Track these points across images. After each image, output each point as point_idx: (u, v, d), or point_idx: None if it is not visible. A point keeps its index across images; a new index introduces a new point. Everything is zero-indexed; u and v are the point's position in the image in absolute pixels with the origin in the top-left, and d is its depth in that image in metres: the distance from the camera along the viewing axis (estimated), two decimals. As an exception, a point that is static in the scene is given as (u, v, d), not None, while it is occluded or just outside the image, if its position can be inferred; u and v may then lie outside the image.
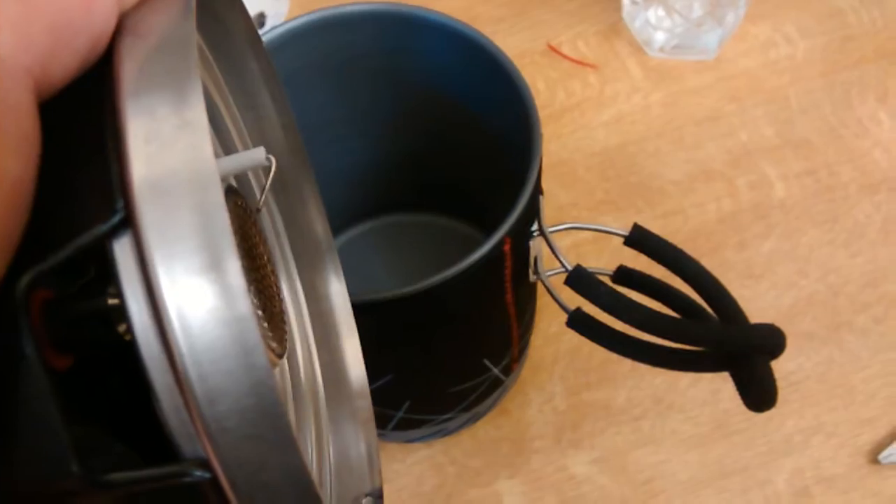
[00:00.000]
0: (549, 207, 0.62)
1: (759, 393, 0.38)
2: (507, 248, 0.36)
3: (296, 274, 0.34)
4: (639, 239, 0.39)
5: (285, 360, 0.32)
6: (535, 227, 0.40)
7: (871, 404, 0.54)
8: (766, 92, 0.67)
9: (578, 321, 0.39)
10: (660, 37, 0.68)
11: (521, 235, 0.38)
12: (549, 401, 0.55)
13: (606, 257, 0.60)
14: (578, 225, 0.42)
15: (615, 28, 0.71)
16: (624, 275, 0.41)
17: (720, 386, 0.55)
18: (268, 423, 0.18)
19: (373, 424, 0.32)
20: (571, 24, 0.71)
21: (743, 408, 0.54)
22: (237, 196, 0.27)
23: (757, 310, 0.57)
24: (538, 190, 0.39)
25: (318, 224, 0.34)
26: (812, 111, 0.65)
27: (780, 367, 0.55)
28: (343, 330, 0.34)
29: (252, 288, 0.25)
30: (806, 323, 0.57)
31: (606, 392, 0.55)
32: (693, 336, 0.37)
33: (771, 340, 0.37)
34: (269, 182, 0.28)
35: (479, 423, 0.54)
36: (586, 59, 0.69)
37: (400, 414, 0.47)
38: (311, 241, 0.34)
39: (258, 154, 0.25)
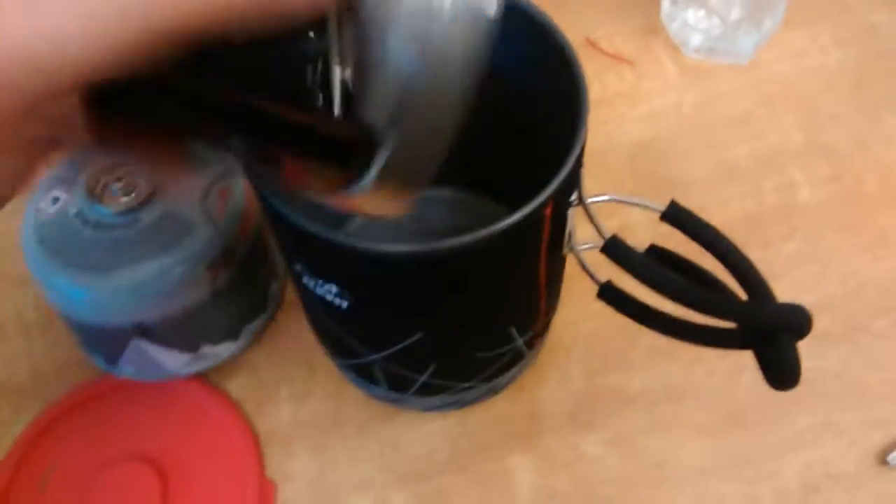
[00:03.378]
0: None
1: (782, 371, 0.39)
2: (548, 211, 0.37)
3: None
4: (675, 214, 0.40)
5: None
6: (573, 197, 0.41)
7: (883, 406, 0.55)
8: (797, 98, 0.68)
9: (609, 293, 0.40)
10: (697, 38, 0.69)
11: (562, 201, 0.39)
12: (565, 381, 0.56)
13: (635, 241, 0.61)
14: (618, 197, 0.42)
15: (653, 27, 0.72)
16: (656, 252, 0.42)
17: (735, 378, 0.55)
18: None
19: None
20: (610, 20, 0.72)
21: (756, 400, 0.55)
22: None
23: (776, 307, 0.58)
24: (581, 160, 0.40)
25: None
26: (841, 120, 0.66)
27: (795, 363, 0.56)
28: None
29: None
30: (824, 323, 0.57)
31: (623, 377, 0.56)
32: (723, 309, 0.38)
33: (798, 319, 0.38)
34: None
35: (496, 398, 0.55)
36: (623, 55, 0.70)
37: (423, 378, 0.48)
38: None
39: None
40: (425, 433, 0.55)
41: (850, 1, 0.72)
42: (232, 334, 0.55)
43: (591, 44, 0.71)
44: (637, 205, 0.42)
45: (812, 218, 0.62)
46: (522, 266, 0.42)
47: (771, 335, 0.39)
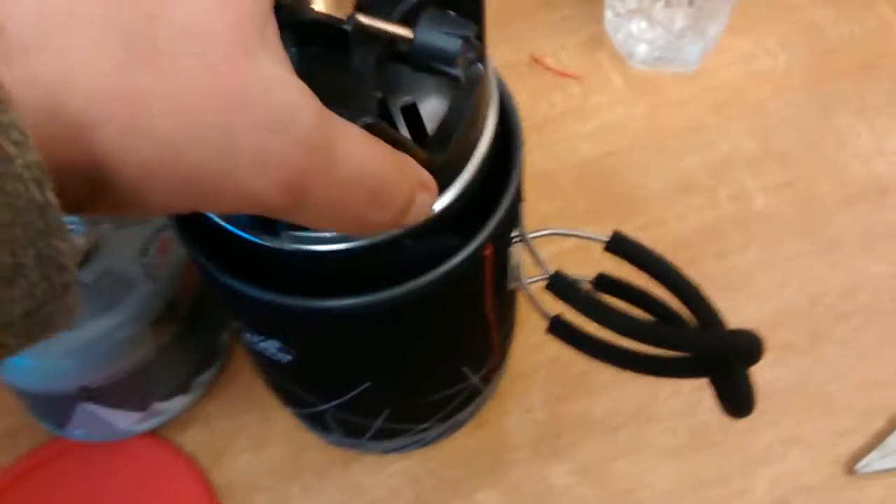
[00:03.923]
0: (530, 218, 0.62)
1: (737, 399, 0.38)
2: (487, 253, 0.36)
3: None
4: (618, 245, 0.39)
5: None
6: (515, 233, 0.40)
7: (848, 414, 0.54)
8: (746, 104, 0.67)
9: (559, 327, 0.39)
10: (642, 49, 0.68)
11: (501, 241, 0.38)
12: (528, 411, 0.55)
13: (588, 266, 0.60)
14: (559, 231, 0.42)
15: (598, 40, 0.71)
16: (604, 282, 0.41)
17: (699, 397, 0.55)
18: None
19: None
20: (554, 35, 0.71)
21: (721, 418, 0.54)
22: None
23: (736, 321, 0.57)
24: (519, 195, 0.39)
25: None
26: (792, 123, 0.66)
27: (758, 377, 0.55)
28: None
29: None
30: (785, 333, 0.57)
31: (586, 403, 0.55)
32: (671, 341, 0.37)
33: (749, 346, 0.37)
34: None
35: (458, 434, 0.54)
36: (569, 71, 0.69)
37: (378, 423, 0.47)
38: None
39: None
40: (387, 475, 0.54)
41: (792, 1, 0.72)
42: (182, 388, 0.53)
43: (537, 61, 0.70)
44: (579, 237, 0.41)
45: (768, 226, 0.61)
46: (467, 307, 0.41)
47: (724, 363, 0.38)
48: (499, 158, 0.39)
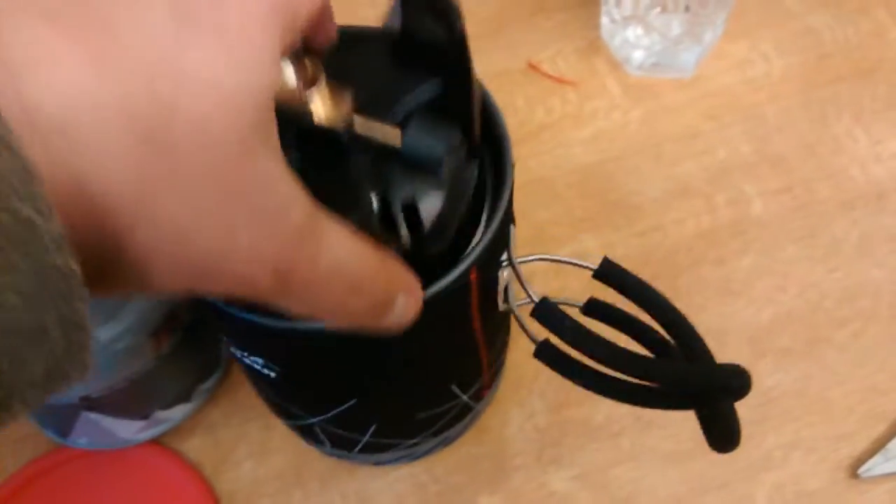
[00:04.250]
0: (527, 226, 0.62)
1: (721, 434, 0.38)
2: (472, 277, 0.36)
3: None
4: (607, 273, 0.39)
5: None
6: (504, 257, 0.40)
7: (849, 419, 0.54)
8: (743, 109, 0.67)
9: (545, 353, 0.39)
10: (638, 55, 0.68)
11: (488, 265, 0.38)
12: (529, 418, 0.55)
13: (584, 284, 0.60)
14: (546, 257, 0.41)
15: (594, 46, 0.71)
16: (594, 307, 0.41)
17: (700, 402, 0.55)
18: None
19: None
20: (551, 41, 0.72)
21: (723, 424, 0.54)
22: None
23: (735, 326, 0.58)
24: (509, 220, 0.39)
25: None
26: (789, 128, 0.66)
27: (759, 383, 0.55)
28: None
29: None
30: (784, 338, 0.57)
31: (586, 409, 0.56)
32: (655, 374, 0.36)
33: (735, 381, 0.36)
34: None
35: (460, 441, 0.54)
36: (566, 77, 0.70)
37: (366, 438, 0.47)
38: None
39: None
40: (390, 481, 0.54)
41: (788, 6, 0.72)
42: (184, 397, 0.53)
43: (534, 67, 0.70)
44: (567, 263, 0.41)
45: (767, 231, 0.61)
46: (452, 329, 0.40)
47: (709, 398, 0.37)
48: (486, 179, 0.39)
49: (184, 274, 0.23)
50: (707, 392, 0.37)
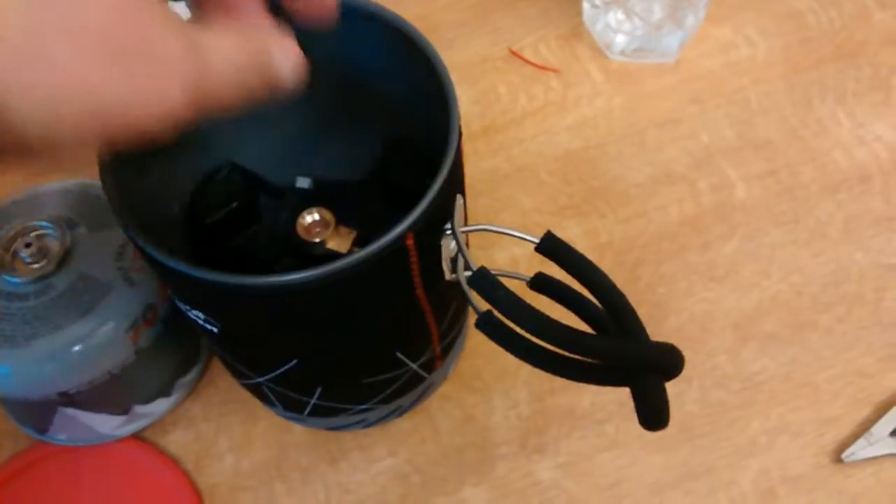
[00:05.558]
0: (512, 212, 0.62)
1: (650, 412, 0.37)
2: (409, 242, 0.36)
3: None
4: (548, 247, 0.39)
5: None
6: (447, 226, 0.39)
7: (834, 403, 0.54)
8: (726, 93, 0.67)
9: (486, 323, 0.38)
10: (620, 40, 0.68)
11: (428, 232, 0.37)
12: (513, 407, 0.55)
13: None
14: (490, 227, 0.41)
15: (576, 32, 0.71)
16: (541, 282, 0.41)
17: (684, 389, 0.54)
18: None
19: None
20: (533, 28, 0.71)
21: (708, 410, 0.54)
22: None
23: (720, 311, 0.57)
24: (453, 189, 0.39)
25: None
26: (772, 112, 0.66)
27: (744, 368, 0.55)
28: None
29: None
30: (770, 323, 0.57)
31: (570, 397, 0.55)
32: (587, 349, 0.36)
33: (666, 359, 0.36)
34: None
35: (444, 431, 0.54)
36: (548, 64, 0.69)
37: (313, 400, 0.47)
38: None
39: None
40: (374, 473, 0.54)
41: (771, -11, 0.72)
42: (164, 391, 0.53)
43: (516, 54, 0.69)
44: (511, 235, 0.40)
45: (751, 216, 0.61)
46: (394, 294, 0.40)
47: (640, 375, 0.37)
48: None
49: (95, 119, 0.25)
50: (639, 368, 0.36)
